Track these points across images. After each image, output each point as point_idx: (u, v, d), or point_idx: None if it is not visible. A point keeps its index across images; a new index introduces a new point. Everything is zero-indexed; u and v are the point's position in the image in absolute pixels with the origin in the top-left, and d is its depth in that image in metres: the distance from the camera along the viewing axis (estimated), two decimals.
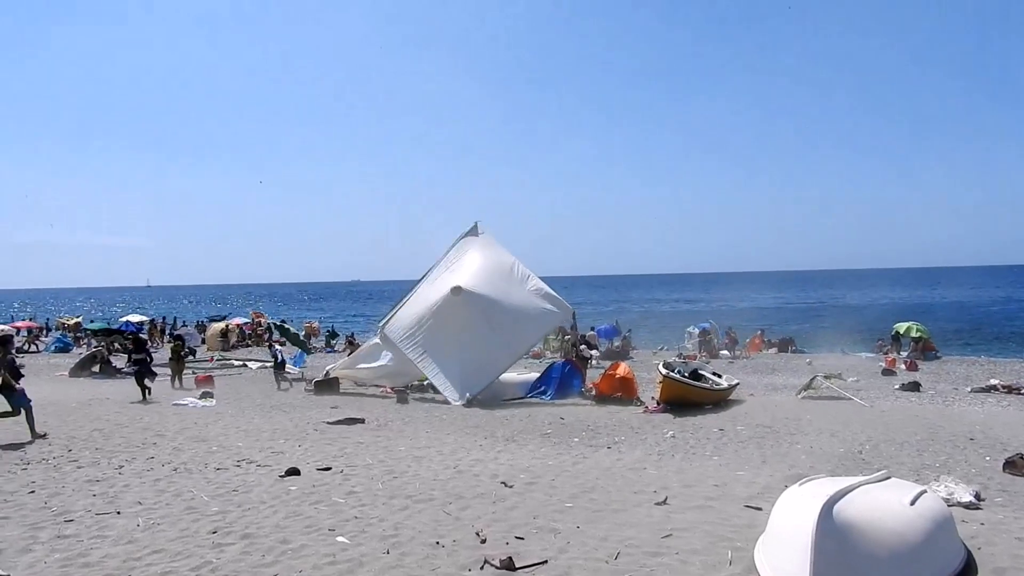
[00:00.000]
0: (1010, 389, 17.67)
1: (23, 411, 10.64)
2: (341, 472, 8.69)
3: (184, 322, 45.72)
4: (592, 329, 30.15)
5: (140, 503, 7.20)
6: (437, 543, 5.91)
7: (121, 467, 8.86)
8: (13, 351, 13.74)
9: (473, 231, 19.38)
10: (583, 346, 21.54)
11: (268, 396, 17.38)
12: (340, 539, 6.02)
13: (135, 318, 39.80)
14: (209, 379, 19.37)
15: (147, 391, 16.15)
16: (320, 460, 9.37)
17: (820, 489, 5.24)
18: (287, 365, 20.45)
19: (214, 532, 6.21)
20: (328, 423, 12.75)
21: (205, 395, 16.80)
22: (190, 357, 23.08)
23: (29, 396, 10.79)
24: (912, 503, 5.07)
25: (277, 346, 21.60)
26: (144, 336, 29.34)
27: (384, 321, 18.58)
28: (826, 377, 18.45)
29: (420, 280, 18.91)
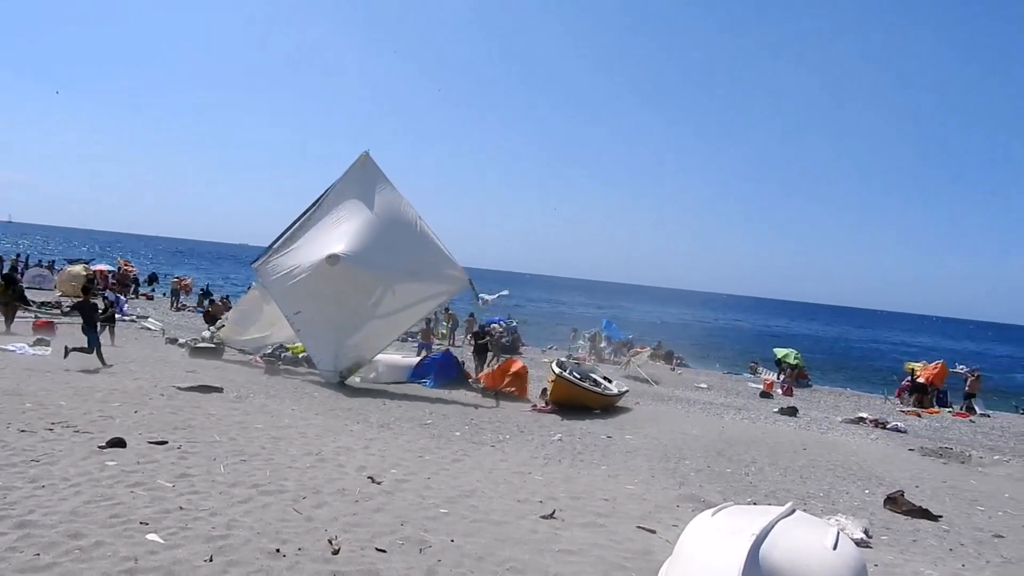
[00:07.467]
0: (877, 423, 18.35)
1: (94, 348, 12.92)
2: (178, 448, 7.31)
3: (40, 261, 41.10)
4: (496, 323, 29.13)
5: None
6: (277, 551, 4.77)
7: None
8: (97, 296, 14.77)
9: (362, 164, 16.18)
10: (485, 337, 20.61)
11: (118, 351, 15.36)
12: (152, 537, 4.76)
13: None
14: (49, 325, 16.98)
15: None
16: (156, 432, 7.91)
17: (736, 523, 4.55)
18: (149, 320, 18.34)
19: None
20: (178, 388, 11.15)
21: (40, 342, 14.63)
22: (24, 304, 18.99)
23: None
24: (834, 548, 4.45)
25: (108, 292, 19.19)
26: None
27: (258, 262, 15.69)
28: (650, 357, 24.08)
29: (302, 216, 15.85)
